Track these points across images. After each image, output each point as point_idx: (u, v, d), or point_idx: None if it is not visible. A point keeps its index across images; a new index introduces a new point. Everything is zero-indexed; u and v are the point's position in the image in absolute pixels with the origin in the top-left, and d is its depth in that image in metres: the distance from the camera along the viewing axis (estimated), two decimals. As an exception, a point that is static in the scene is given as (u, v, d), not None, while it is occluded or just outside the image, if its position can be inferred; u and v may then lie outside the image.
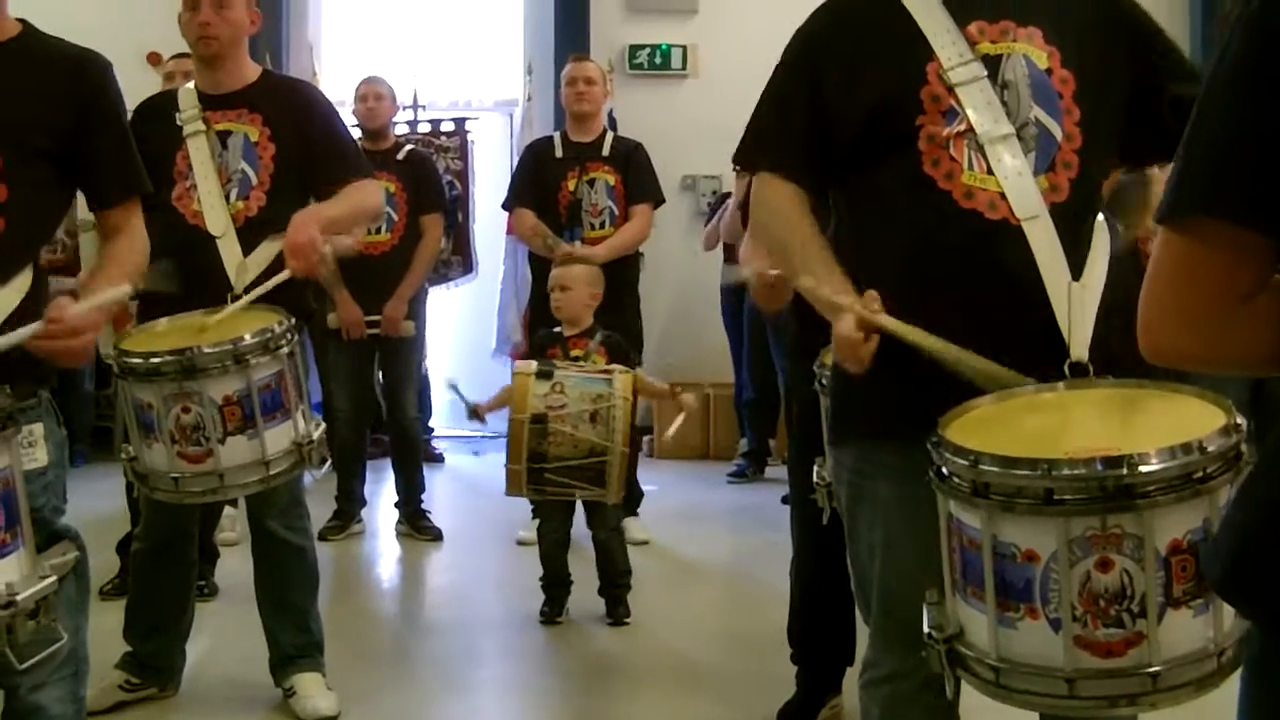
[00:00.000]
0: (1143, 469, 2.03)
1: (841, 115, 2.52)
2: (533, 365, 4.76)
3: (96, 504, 5.37)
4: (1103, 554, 2.05)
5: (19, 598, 2.47)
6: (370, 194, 4.24)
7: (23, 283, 2.80)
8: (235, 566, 5.23)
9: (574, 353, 5.04)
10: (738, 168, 5.29)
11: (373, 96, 6.67)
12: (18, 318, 2.71)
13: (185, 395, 3.48)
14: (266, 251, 3.90)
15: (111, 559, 5.28)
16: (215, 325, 3.65)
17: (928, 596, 2.31)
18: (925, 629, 2.28)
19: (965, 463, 2.15)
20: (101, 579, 5.16)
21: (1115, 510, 2.04)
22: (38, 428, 2.80)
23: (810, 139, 2.58)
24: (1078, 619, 2.07)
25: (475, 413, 4.95)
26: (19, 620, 2.48)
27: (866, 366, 2.36)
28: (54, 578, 2.58)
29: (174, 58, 5.80)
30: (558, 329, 5.18)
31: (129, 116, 3.50)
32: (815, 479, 3.62)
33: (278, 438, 3.60)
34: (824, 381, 3.52)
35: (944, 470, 2.21)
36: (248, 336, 3.54)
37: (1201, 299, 1.44)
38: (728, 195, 8.26)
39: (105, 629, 4.27)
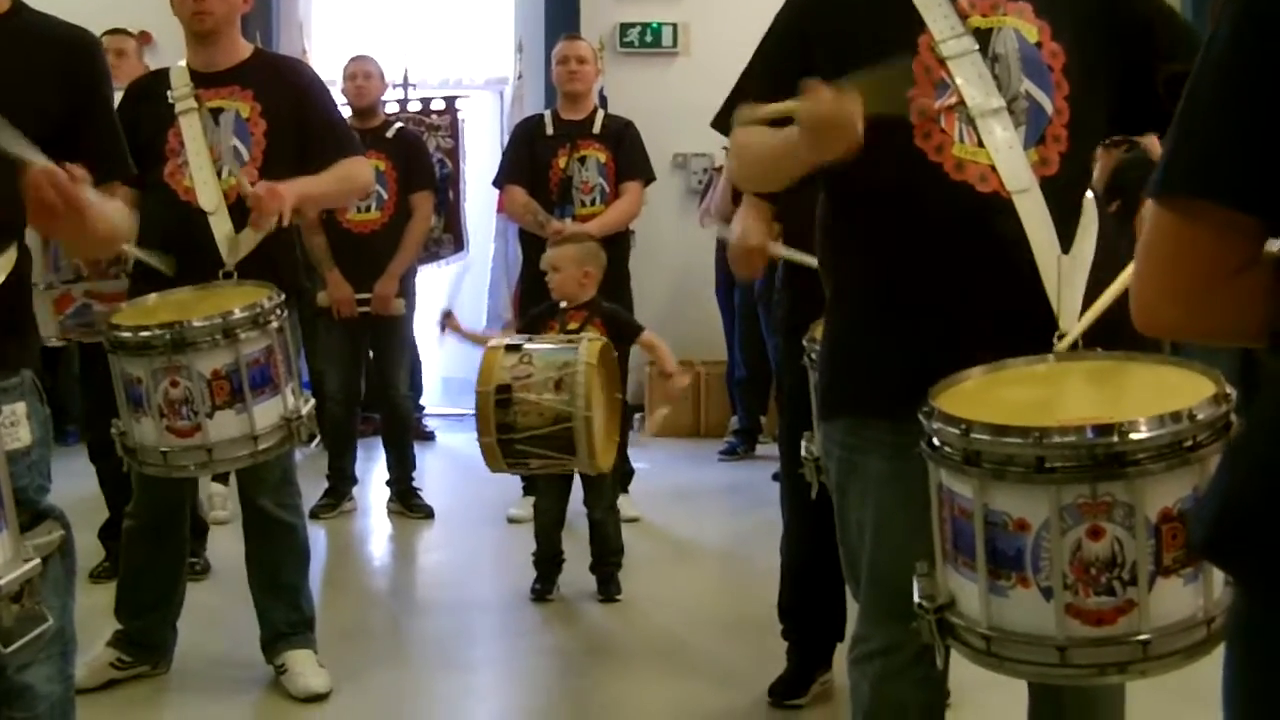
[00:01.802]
0: (1133, 436, 2.03)
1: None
2: (503, 340, 4.76)
3: (89, 482, 5.35)
4: (1094, 522, 2.05)
5: (2, 582, 2.45)
6: (359, 171, 4.26)
7: (6, 262, 2.78)
8: (227, 545, 5.23)
9: (571, 325, 5.03)
10: (725, 147, 5.31)
11: (361, 75, 6.67)
12: (3, 296, 2.71)
13: (174, 369, 3.50)
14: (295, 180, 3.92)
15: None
16: (205, 298, 3.67)
17: (918, 568, 2.31)
18: (916, 599, 2.28)
19: (956, 431, 2.15)
20: (92, 561, 5.17)
21: (1106, 478, 2.04)
22: (20, 407, 2.78)
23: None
24: (1069, 587, 2.07)
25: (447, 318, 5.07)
26: (3, 604, 2.46)
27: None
28: (37, 560, 2.56)
29: (106, 34, 5.77)
30: (563, 304, 5.17)
31: (119, 95, 3.49)
32: (803, 454, 3.63)
33: (266, 413, 3.61)
34: (813, 357, 3.53)
35: (935, 440, 2.21)
36: (237, 310, 3.55)
37: (1190, 275, 1.46)
38: (720, 168, 8.24)
39: (96, 608, 4.29)
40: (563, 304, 5.14)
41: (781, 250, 3.74)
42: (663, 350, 5.18)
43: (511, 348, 4.64)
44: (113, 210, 2.86)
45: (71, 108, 2.83)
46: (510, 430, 4.54)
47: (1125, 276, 2.26)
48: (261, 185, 3.83)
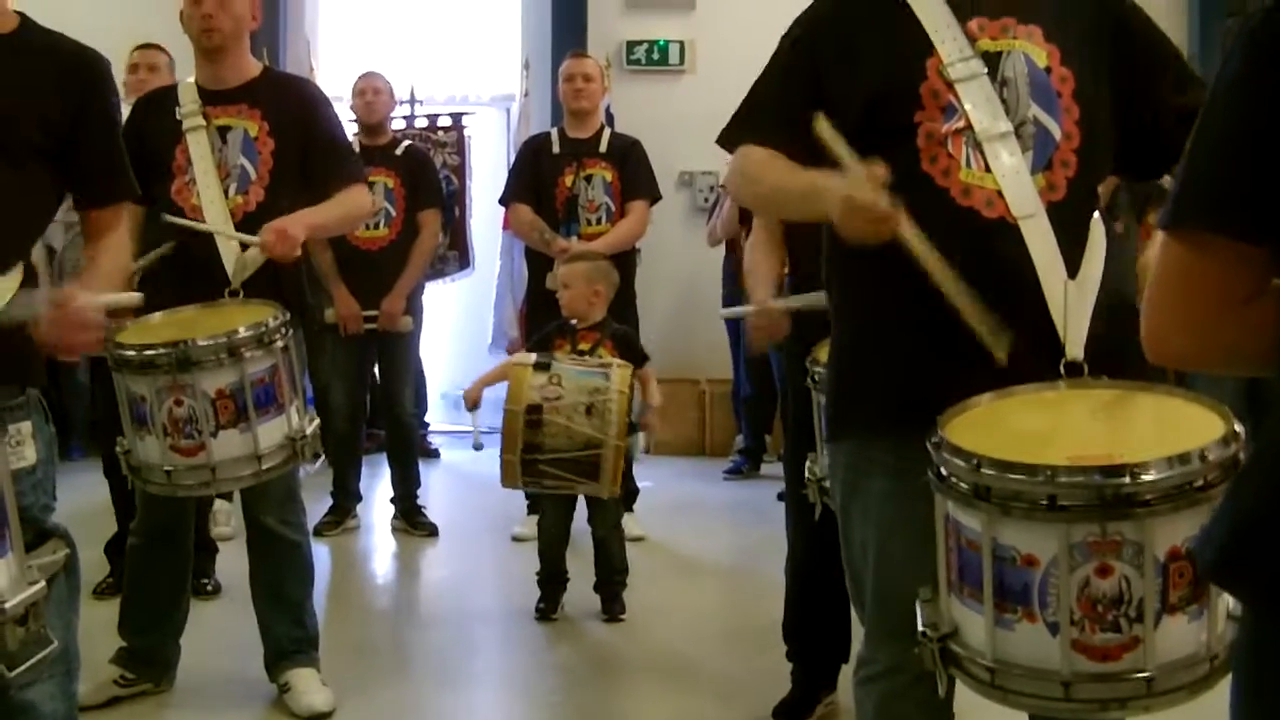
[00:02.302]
0: (1144, 478, 2.04)
1: (839, 105, 2.50)
2: (531, 357, 4.75)
3: (93, 497, 5.35)
4: (1102, 560, 2.05)
5: (8, 605, 2.45)
6: (361, 202, 4.27)
7: (12, 282, 2.78)
8: (231, 561, 5.22)
9: (581, 345, 5.03)
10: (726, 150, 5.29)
11: (371, 91, 6.67)
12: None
13: (178, 388, 3.51)
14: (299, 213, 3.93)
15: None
16: (210, 317, 3.69)
17: (920, 594, 2.31)
18: (919, 627, 2.28)
19: (966, 465, 2.15)
20: (96, 576, 5.16)
21: (1116, 518, 2.04)
22: (25, 425, 2.79)
23: (801, 125, 2.55)
24: (1075, 623, 2.07)
25: (469, 401, 4.96)
26: (8, 628, 2.46)
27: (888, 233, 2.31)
28: (42, 583, 2.56)
29: (139, 49, 5.77)
30: (573, 321, 5.17)
31: (127, 113, 3.49)
32: (806, 475, 3.63)
33: (270, 432, 3.62)
34: (816, 378, 3.53)
35: (943, 471, 2.21)
36: (242, 329, 3.55)
37: (1199, 305, 1.48)
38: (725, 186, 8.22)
39: (99, 625, 4.28)
40: (573, 322, 5.14)
41: (795, 302, 3.74)
42: (652, 386, 5.15)
43: (540, 366, 4.63)
44: (109, 280, 2.90)
45: (74, 125, 2.82)
46: (536, 450, 4.54)
47: None
48: (270, 230, 3.85)
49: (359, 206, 4.26)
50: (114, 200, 3.03)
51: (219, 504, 5.96)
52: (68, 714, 2.93)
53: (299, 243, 3.88)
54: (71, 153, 2.83)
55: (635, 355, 5.09)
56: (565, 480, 4.64)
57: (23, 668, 2.57)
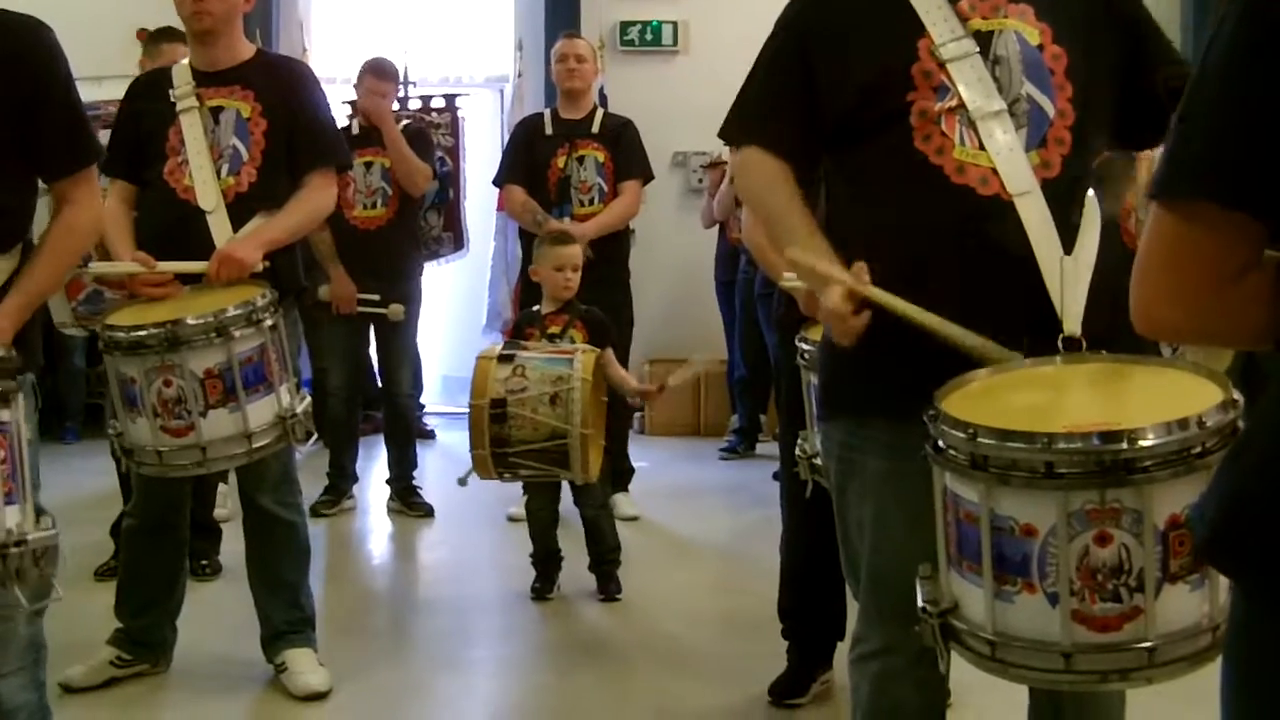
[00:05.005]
0: (1142, 443, 2.03)
1: (832, 91, 2.51)
2: (497, 348, 4.74)
3: (89, 481, 5.34)
4: (1101, 528, 2.04)
5: (29, 538, 2.54)
6: (325, 199, 4.20)
7: (9, 263, 2.77)
8: (227, 542, 5.23)
9: (551, 330, 5.02)
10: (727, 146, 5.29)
11: (375, 73, 6.64)
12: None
13: (166, 368, 3.51)
14: (256, 227, 3.91)
15: (106, 538, 5.25)
16: (199, 297, 3.71)
17: (920, 570, 2.31)
18: (919, 603, 2.28)
19: (963, 435, 2.15)
20: (97, 558, 5.16)
21: (1114, 485, 2.03)
22: (20, 401, 2.80)
23: (797, 114, 2.57)
24: (1075, 593, 2.07)
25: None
26: (27, 562, 2.51)
27: (857, 338, 2.35)
28: (55, 530, 2.61)
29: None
30: (536, 308, 5.17)
31: (101, 86, 3.45)
32: (797, 452, 3.63)
33: (260, 411, 3.62)
34: (805, 356, 3.53)
35: (940, 443, 2.21)
36: (230, 308, 3.55)
37: (1192, 276, 1.45)
38: (717, 163, 8.19)
39: (98, 607, 4.28)
40: (537, 308, 5.15)
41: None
42: (615, 370, 5.10)
43: (504, 358, 4.62)
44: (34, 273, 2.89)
45: (24, 99, 2.76)
46: (504, 444, 4.53)
47: None
48: (217, 258, 3.80)
49: (321, 206, 4.20)
50: (69, 171, 2.96)
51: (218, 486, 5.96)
52: (39, 703, 2.94)
53: (250, 267, 3.82)
54: (27, 129, 2.77)
55: (605, 335, 5.07)
56: (539, 469, 4.63)
57: (38, 605, 2.65)
